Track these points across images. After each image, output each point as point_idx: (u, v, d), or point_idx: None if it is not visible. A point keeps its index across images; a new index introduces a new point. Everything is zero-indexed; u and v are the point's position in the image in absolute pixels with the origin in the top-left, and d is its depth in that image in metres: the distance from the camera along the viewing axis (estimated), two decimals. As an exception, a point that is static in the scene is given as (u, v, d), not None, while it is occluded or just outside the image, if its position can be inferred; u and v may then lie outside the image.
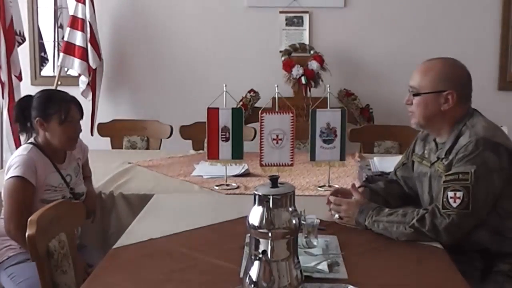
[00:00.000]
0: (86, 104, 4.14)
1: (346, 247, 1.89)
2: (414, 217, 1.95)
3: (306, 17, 4.45)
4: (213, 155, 2.68)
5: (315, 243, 1.88)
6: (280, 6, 4.42)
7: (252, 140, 3.55)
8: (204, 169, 2.96)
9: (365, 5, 4.43)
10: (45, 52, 4.77)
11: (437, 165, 2.11)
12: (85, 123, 2.58)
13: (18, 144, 3.96)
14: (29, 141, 2.43)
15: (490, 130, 2.01)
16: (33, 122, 2.40)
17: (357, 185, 2.31)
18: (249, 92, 4.24)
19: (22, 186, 2.29)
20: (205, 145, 3.07)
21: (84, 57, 4.31)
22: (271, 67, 4.30)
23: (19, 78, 4.24)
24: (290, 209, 1.43)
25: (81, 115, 2.47)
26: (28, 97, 2.45)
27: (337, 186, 2.71)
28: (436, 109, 2.07)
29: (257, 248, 1.41)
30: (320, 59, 4.17)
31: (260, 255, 1.38)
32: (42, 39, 4.73)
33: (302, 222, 1.81)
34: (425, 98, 2.08)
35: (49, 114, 2.37)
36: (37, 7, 4.66)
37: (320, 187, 2.72)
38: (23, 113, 2.43)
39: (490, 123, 2.07)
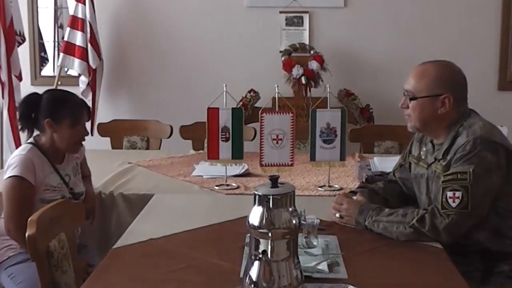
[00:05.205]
0: (86, 104, 4.15)
1: (346, 247, 1.89)
2: (414, 217, 1.94)
3: (306, 17, 4.45)
4: (213, 155, 2.67)
5: (315, 243, 1.88)
6: (280, 6, 4.42)
7: (252, 140, 3.55)
8: (204, 169, 2.96)
9: (365, 5, 4.43)
10: (45, 52, 4.78)
11: (435, 166, 2.11)
12: (85, 123, 2.60)
13: (18, 144, 3.96)
14: (28, 141, 2.43)
15: (487, 130, 2.01)
16: (41, 122, 2.38)
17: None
18: (249, 92, 4.24)
19: (20, 185, 2.28)
20: (205, 145, 3.07)
21: (84, 57, 4.32)
22: (271, 67, 4.30)
23: (19, 78, 4.24)
24: (290, 209, 1.43)
25: (89, 118, 2.50)
26: (36, 95, 2.42)
27: (337, 186, 2.71)
28: (433, 113, 2.06)
29: (257, 248, 1.41)
30: (320, 59, 4.17)
31: (260, 255, 1.38)
32: (42, 39, 4.74)
33: (302, 222, 1.81)
34: (421, 102, 2.06)
35: (60, 117, 2.36)
36: (37, 7, 4.66)
37: (320, 187, 2.71)
38: (30, 110, 2.40)
39: (487, 123, 2.06)
